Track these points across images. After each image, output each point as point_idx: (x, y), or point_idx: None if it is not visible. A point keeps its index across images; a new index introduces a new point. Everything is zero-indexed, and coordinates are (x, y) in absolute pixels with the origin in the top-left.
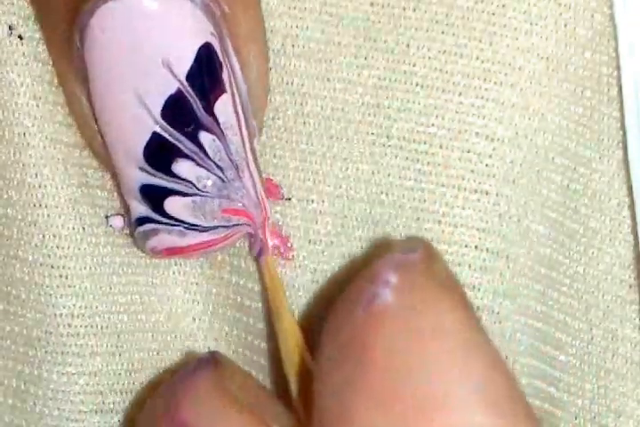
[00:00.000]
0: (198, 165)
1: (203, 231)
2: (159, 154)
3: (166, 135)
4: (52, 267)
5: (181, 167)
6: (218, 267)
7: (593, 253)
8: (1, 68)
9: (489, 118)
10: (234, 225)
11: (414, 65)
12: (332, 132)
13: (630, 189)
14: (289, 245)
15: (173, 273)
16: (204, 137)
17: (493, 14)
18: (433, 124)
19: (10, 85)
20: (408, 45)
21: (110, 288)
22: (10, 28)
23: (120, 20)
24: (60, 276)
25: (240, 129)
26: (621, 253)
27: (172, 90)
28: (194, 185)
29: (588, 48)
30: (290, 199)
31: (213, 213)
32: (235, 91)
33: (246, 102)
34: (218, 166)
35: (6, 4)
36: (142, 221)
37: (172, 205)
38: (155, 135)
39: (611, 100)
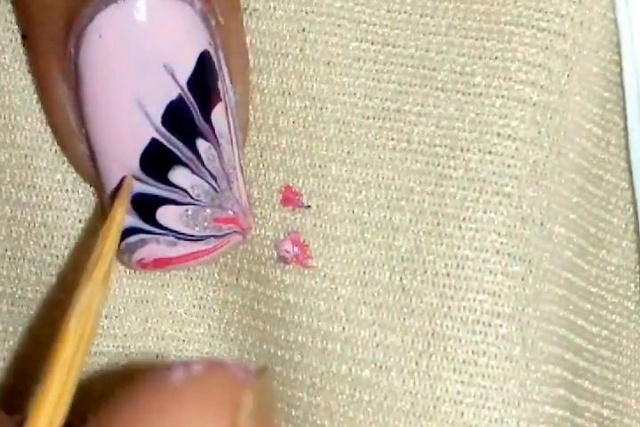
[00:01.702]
0: (194, 173)
1: (194, 241)
2: (156, 161)
3: (165, 142)
4: (60, 267)
5: (177, 175)
6: (236, 274)
7: (603, 255)
8: (14, 75)
9: (510, 117)
10: (224, 234)
11: (434, 69)
12: (353, 138)
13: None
14: (308, 252)
15: (186, 278)
16: (201, 144)
17: (509, 15)
18: (454, 127)
19: (22, 91)
20: (427, 50)
21: (119, 291)
22: (24, 36)
23: (120, 26)
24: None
25: (232, 139)
26: (628, 255)
27: (173, 96)
28: (188, 194)
29: (602, 47)
30: (309, 207)
31: (205, 222)
32: (227, 101)
33: (235, 115)
34: (211, 175)
35: None
36: (129, 232)
37: (165, 214)
38: (153, 142)
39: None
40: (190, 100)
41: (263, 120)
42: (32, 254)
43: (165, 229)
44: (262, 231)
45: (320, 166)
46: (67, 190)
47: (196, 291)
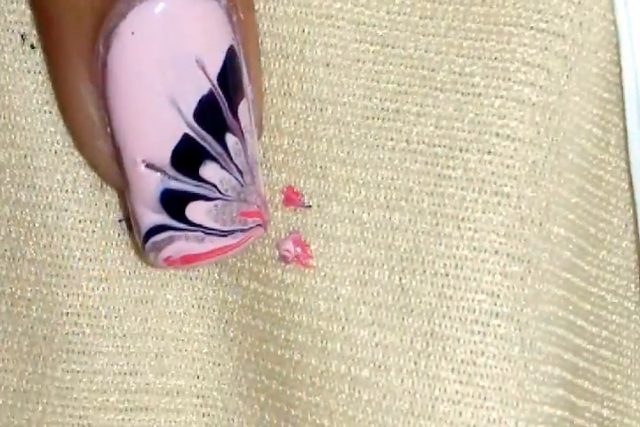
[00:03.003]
0: (223, 167)
1: (221, 236)
2: (188, 157)
3: (196, 137)
4: (60, 267)
5: (208, 170)
6: (236, 274)
7: (603, 255)
8: (14, 75)
9: (509, 118)
10: (249, 228)
11: (433, 70)
12: (352, 138)
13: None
14: (308, 252)
15: (186, 278)
16: (230, 139)
17: (508, 16)
18: (453, 127)
19: (22, 92)
20: (426, 51)
21: (118, 290)
22: (22, 37)
23: (152, 23)
24: (68, 276)
25: (253, 133)
26: (628, 256)
27: (204, 91)
28: (217, 189)
29: (602, 47)
30: (310, 206)
31: (232, 216)
32: (248, 96)
33: (253, 109)
34: (238, 170)
35: (18, 14)
36: (156, 230)
37: (195, 210)
38: (185, 137)
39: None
40: (220, 95)
41: (265, 121)
42: (32, 255)
43: (194, 225)
44: None
45: (321, 167)
46: (66, 190)
47: (195, 291)
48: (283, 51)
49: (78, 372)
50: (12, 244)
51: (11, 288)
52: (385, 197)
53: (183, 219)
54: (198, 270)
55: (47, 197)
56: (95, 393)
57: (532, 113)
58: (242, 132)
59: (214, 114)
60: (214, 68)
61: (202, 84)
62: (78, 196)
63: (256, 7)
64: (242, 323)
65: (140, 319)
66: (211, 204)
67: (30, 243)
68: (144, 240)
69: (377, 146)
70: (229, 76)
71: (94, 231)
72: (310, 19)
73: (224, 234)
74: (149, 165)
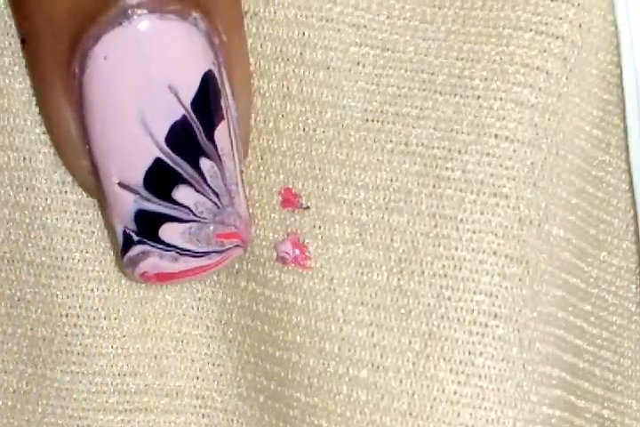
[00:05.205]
0: (197, 191)
1: (196, 257)
2: (160, 180)
3: (169, 161)
4: (60, 269)
5: (181, 193)
6: (235, 275)
7: (603, 256)
8: (13, 77)
9: (508, 119)
10: (227, 249)
11: (432, 73)
12: (352, 141)
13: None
14: (307, 253)
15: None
16: (204, 163)
17: (508, 18)
18: (452, 130)
19: (21, 94)
20: (426, 55)
21: (118, 292)
22: (22, 40)
23: (126, 47)
24: (67, 277)
25: (233, 155)
26: (628, 257)
27: (177, 116)
28: (191, 211)
29: (601, 49)
30: (308, 208)
31: (208, 238)
32: (229, 118)
33: (236, 129)
34: (214, 192)
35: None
36: (130, 244)
37: (168, 231)
38: (157, 161)
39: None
40: (194, 120)
41: (264, 124)
42: (31, 257)
43: (168, 245)
44: (262, 232)
45: (319, 169)
46: (66, 192)
47: (194, 292)
48: (283, 54)
49: (78, 373)
50: (11, 246)
51: (10, 290)
52: (384, 199)
53: (157, 239)
54: None
55: (46, 199)
56: (94, 394)
57: (532, 115)
58: (219, 155)
59: (187, 139)
60: (188, 93)
61: (174, 110)
62: (77, 197)
63: (256, 10)
64: (241, 324)
65: (139, 321)
66: (185, 225)
67: (29, 245)
68: (122, 255)
69: (376, 148)
70: (205, 100)
71: (93, 233)
72: (311, 22)
73: (199, 255)
74: (123, 186)
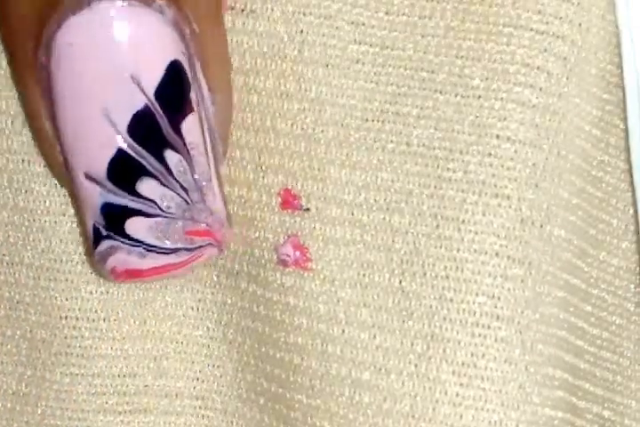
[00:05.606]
0: (162, 184)
1: (164, 253)
2: (123, 171)
3: (131, 152)
4: (59, 271)
5: (145, 186)
6: (235, 276)
7: (603, 256)
8: (9, 80)
9: (510, 120)
10: (197, 247)
11: (432, 71)
12: (351, 140)
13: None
14: (308, 255)
15: (185, 280)
16: (170, 156)
17: (508, 17)
18: (453, 130)
19: (19, 97)
20: (425, 52)
21: (117, 293)
22: None
23: (87, 34)
24: (66, 280)
25: (206, 151)
26: (628, 257)
27: (139, 106)
28: (157, 205)
29: (601, 49)
30: (308, 209)
31: (176, 234)
32: (202, 112)
33: (213, 126)
34: (182, 187)
35: None
36: (101, 239)
37: (134, 225)
38: (120, 152)
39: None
40: (158, 110)
41: (261, 122)
42: (30, 259)
43: (135, 240)
44: (261, 234)
45: (319, 169)
46: (64, 195)
47: (194, 293)
48: (280, 51)
49: (77, 375)
50: (10, 248)
51: (9, 292)
52: (385, 200)
53: (124, 233)
54: (197, 272)
55: (45, 202)
56: (94, 396)
57: (533, 115)
58: (187, 149)
59: (151, 130)
60: (152, 82)
61: (136, 99)
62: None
63: (253, 7)
64: (241, 325)
65: (138, 322)
66: (151, 220)
67: (28, 247)
68: (92, 249)
69: (376, 148)
70: (171, 91)
71: None
72: (309, 19)
73: (167, 252)
74: (90, 178)
